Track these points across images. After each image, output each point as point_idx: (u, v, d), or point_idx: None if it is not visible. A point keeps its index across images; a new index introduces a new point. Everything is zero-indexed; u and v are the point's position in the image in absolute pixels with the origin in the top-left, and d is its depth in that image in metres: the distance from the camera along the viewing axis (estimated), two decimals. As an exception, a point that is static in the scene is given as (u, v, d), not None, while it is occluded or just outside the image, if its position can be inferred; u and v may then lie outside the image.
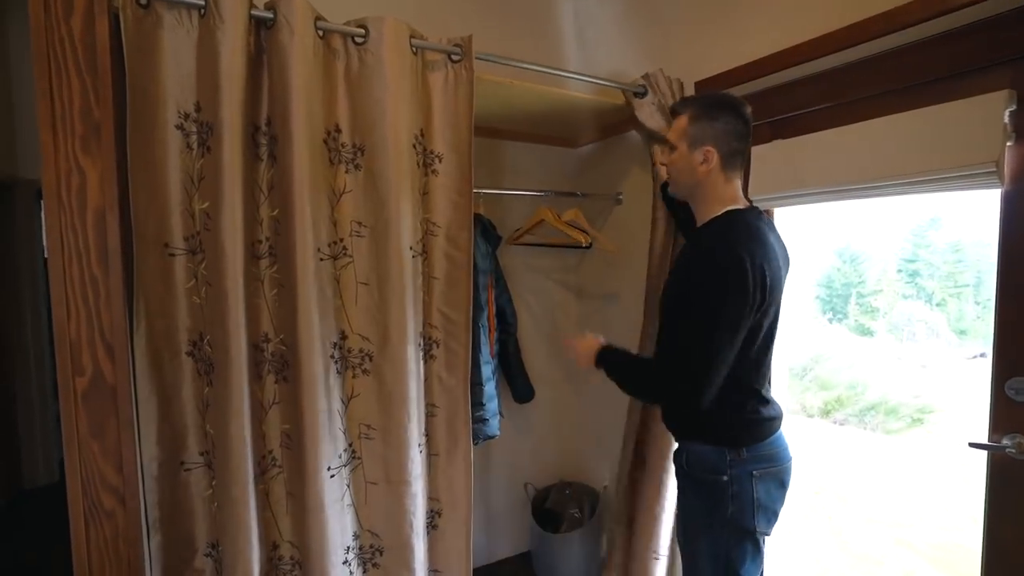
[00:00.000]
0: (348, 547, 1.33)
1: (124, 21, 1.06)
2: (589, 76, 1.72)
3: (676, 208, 1.58)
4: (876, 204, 1.72)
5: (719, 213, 1.23)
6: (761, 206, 1.68)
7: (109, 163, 1.06)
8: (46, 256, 1.06)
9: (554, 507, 2.33)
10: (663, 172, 1.46)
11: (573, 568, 2.18)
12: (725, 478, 1.21)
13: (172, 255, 1.16)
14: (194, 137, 1.15)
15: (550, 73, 1.65)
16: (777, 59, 1.49)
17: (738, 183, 1.26)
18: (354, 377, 1.34)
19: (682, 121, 1.25)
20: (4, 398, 3.02)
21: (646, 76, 1.71)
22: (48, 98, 1.00)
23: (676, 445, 1.38)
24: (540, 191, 2.02)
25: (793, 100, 1.55)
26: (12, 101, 3.02)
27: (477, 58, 1.39)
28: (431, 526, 1.51)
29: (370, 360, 1.34)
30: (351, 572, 1.34)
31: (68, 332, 1.05)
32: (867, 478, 3.45)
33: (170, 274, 1.16)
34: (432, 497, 1.50)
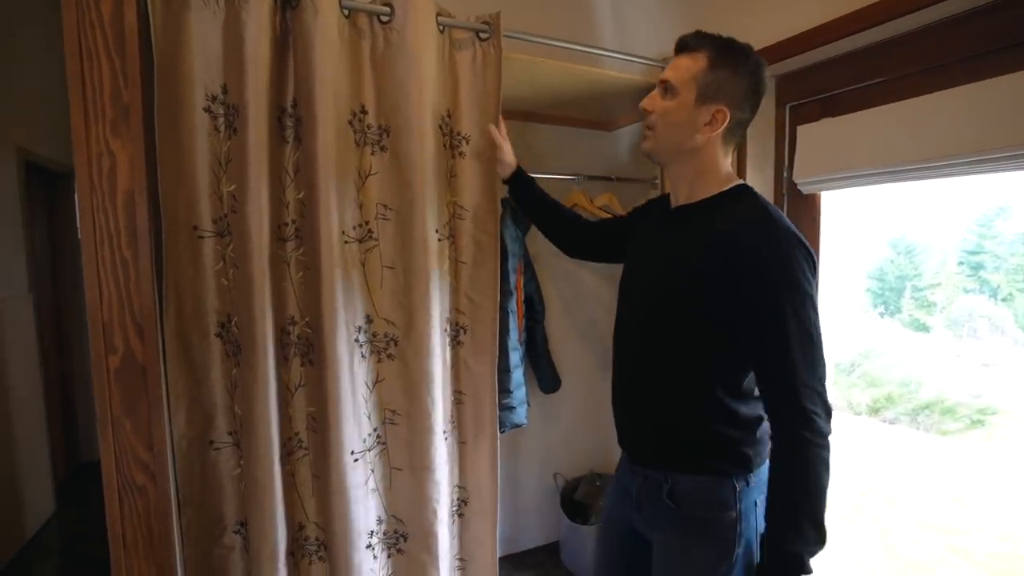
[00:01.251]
0: (372, 531, 1.34)
1: (152, 4, 1.07)
2: (625, 54, 1.65)
3: (534, 211, 1.38)
4: (935, 191, 1.60)
5: (728, 188, 0.99)
6: (806, 190, 1.59)
7: (138, 146, 1.07)
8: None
9: (584, 498, 2.29)
10: (653, 141, 1.03)
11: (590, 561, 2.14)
12: (734, 514, 0.96)
13: (201, 237, 1.17)
14: (221, 119, 1.15)
15: (585, 51, 1.59)
16: (825, 31, 1.39)
17: (732, 160, 1.03)
18: (379, 362, 1.33)
19: (698, 62, 0.95)
20: (62, 376, 3.19)
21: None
22: (79, 82, 1.01)
23: (633, 469, 1.09)
24: (573, 175, 1.96)
25: (843, 75, 1.45)
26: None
27: (507, 36, 1.35)
28: (457, 514, 1.50)
29: (395, 345, 1.33)
30: (375, 556, 1.34)
31: (100, 313, 1.08)
32: (919, 480, 3.27)
33: (199, 256, 1.17)
34: (459, 485, 1.49)
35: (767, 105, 1.67)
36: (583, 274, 2.33)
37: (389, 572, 1.38)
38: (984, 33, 1.15)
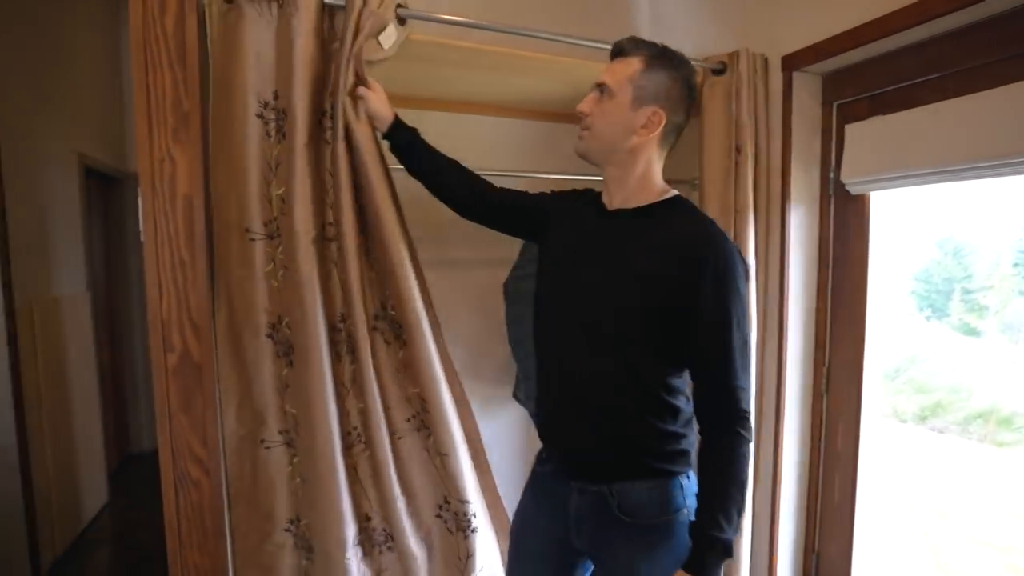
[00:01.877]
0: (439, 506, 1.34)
1: (209, 17, 1.11)
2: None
3: (423, 166, 1.24)
4: (987, 190, 1.52)
5: (667, 196, 1.01)
6: (855, 190, 1.55)
7: (196, 152, 1.12)
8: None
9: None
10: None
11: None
12: (686, 511, 0.99)
13: (252, 240, 1.21)
14: (272, 125, 1.18)
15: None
16: (876, 27, 1.34)
17: (661, 169, 1.04)
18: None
19: (633, 65, 0.97)
20: (115, 372, 3.35)
21: (733, 55, 1.60)
22: (144, 91, 1.06)
23: (563, 484, 1.07)
24: (610, 177, 1.95)
25: (894, 72, 1.40)
26: (124, 102, 3.31)
27: (546, 39, 1.35)
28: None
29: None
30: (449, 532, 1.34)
31: (160, 311, 1.13)
32: (972, 493, 3.13)
33: (250, 258, 1.21)
34: None
35: (812, 104, 1.63)
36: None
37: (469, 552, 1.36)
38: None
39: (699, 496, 0.95)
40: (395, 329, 1.28)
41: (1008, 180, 1.26)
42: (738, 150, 1.62)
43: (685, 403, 1.01)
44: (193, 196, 1.12)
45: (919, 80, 1.34)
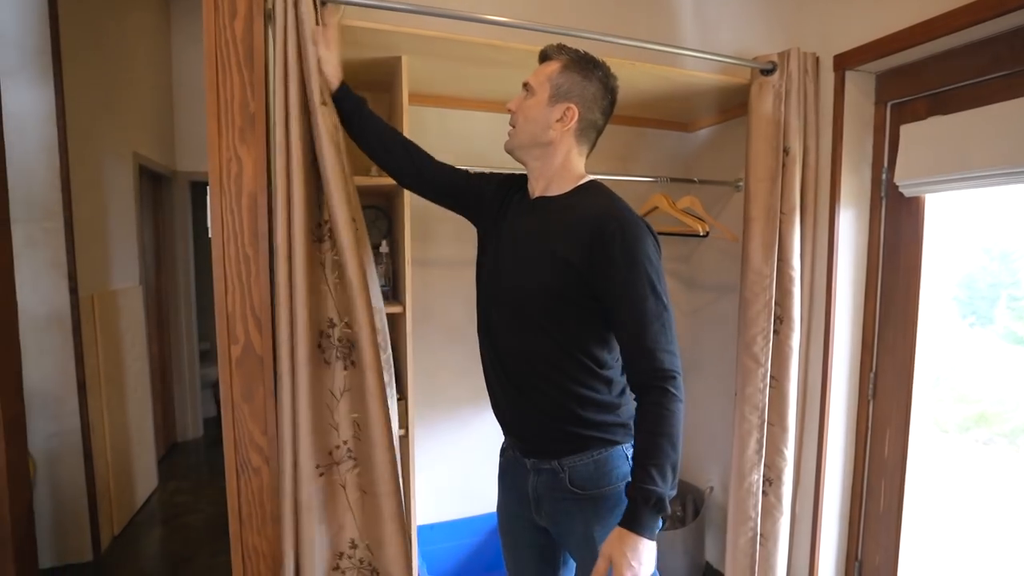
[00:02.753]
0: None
1: (273, 23, 1.15)
2: (709, 53, 1.62)
3: (366, 130, 1.26)
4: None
5: (582, 183, 1.09)
6: (909, 192, 1.51)
7: (261, 151, 1.16)
8: (208, 237, 1.18)
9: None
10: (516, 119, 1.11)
11: (674, 566, 2.12)
12: (629, 480, 0.98)
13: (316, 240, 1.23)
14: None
15: (666, 51, 1.58)
16: (936, 25, 1.31)
17: (583, 162, 1.12)
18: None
19: (552, 66, 1.07)
20: (163, 364, 3.48)
21: (783, 54, 1.58)
22: (215, 93, 1.11)
23: (519, 465, 1.16)
24: (654, 177, 1.95)
25: (955, 71, 1.37)
26: (172, 103, 3.44)
27: (587, 38, 1.35)
28: None
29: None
30: None
31: (226, 305, 1.18)
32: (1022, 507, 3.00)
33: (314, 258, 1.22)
34: None
35: (864, 103, 1.60)
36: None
37: None
38: None
39: (633, 455, 0.98)
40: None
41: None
42: (785, 151, 1.60)
43: (618, 375, 1.08)
44: (258, 194, 1.16)
45: (984, 79, 1.30)
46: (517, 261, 1.10)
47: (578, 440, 1.07)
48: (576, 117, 1.06)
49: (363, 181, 1.47)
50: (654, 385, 0.96)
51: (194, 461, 3.49)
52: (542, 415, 1.09)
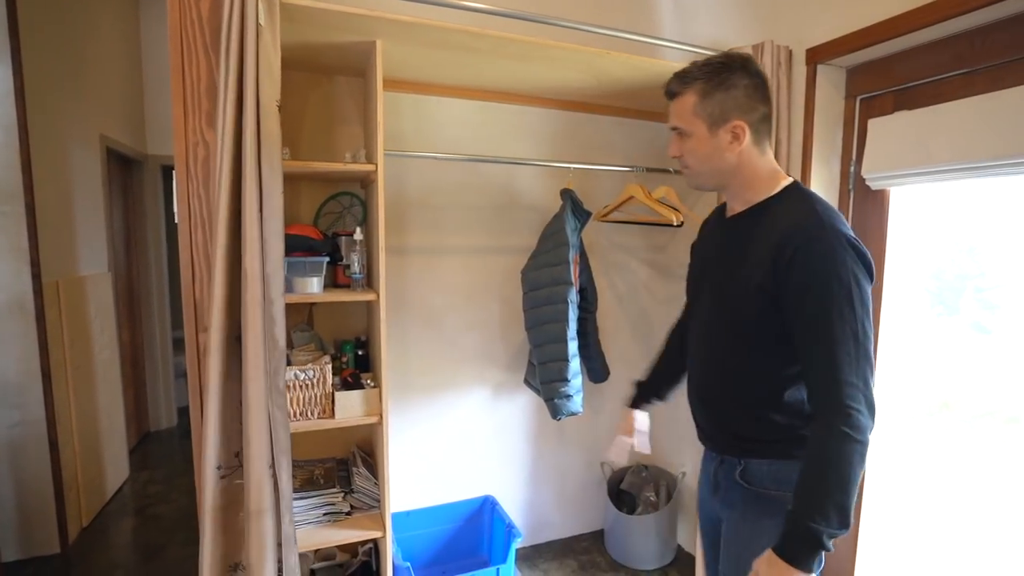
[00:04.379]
0: None
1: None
2: (685, 44, 1.63)
3: (670, 385, 1.36)
4: (1007, 187, 1.51)
5: (779, 189, 1.02)
6: (875, 185, 1.55)
7: (229, 137, 1.14)
8: (176, 223, 1.16)
9: (630, 488, 2.31)
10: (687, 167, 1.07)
11: (646, 551, 2.16)
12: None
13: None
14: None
15: (643, 41, 1.58)
16: (904, 21, 1.34)
17: (772, 154, 1.05)
18: None
19: (689, 100, 0.99)
20: (135, 353, 3.41)
21: (757, 47, 1.60)
22: (180, 76, 1.08)
23: (712, 456, 1.16)
24: (629, 167, 1.96)
25: (920, 67, 1.40)
26: (142, 85, 3.34)
27: (568, 27, 1.35)
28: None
29: None
30: None
31: (193, 292, 1.16)
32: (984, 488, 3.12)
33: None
34: None
35: (835, 97, 1.63)
36: (635, 266, 2.33)
37: None
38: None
39: (796, 484, 0.92)
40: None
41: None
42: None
43: (804, 394, 1.02)
44: (226, 180, 1.14)
45: (946, 76, 1.33)
46: (715, 282, 1.10)
47: (757, 447, 1.05)
48: (747, 128, 0.99)
49: (336, 167, 1.45)
50: (829, 421, 0.89)
51: (167, 450, 3.43)
52: (729, 422, 1.10)
